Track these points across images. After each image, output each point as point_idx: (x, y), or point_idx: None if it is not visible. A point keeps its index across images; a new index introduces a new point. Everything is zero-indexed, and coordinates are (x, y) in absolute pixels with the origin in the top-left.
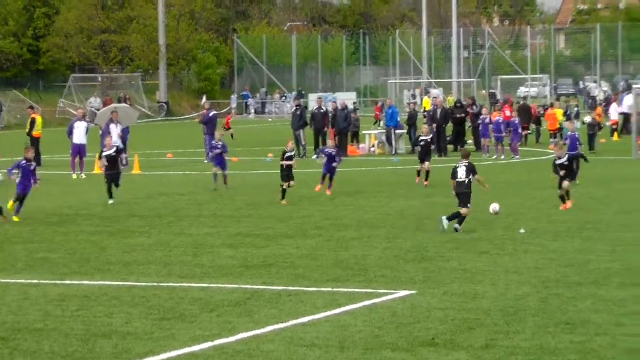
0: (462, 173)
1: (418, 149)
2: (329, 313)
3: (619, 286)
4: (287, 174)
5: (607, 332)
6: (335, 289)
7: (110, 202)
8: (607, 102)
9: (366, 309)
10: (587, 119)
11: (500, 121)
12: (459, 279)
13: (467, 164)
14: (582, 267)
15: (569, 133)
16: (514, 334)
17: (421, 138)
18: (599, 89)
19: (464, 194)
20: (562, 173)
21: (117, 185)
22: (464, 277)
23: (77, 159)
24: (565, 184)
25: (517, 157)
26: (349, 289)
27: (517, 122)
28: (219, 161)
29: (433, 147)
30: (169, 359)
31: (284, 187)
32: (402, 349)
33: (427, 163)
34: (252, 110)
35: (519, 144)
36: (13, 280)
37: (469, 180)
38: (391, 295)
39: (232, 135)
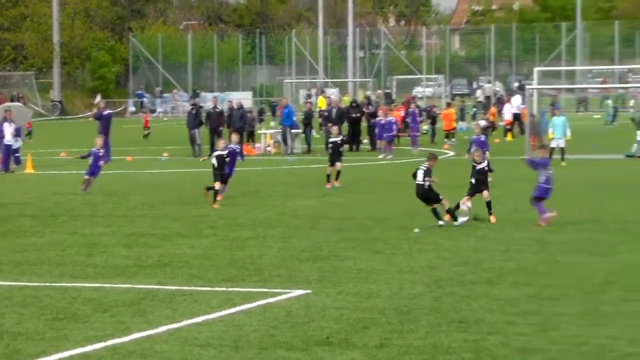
0: (420, 175)
1: (329, 151)
2: (223, 312)
3: (512, 285)
4: (219, 172)
5: (500, 330)
6: (230, 289)
7: None
8: (500, 102)
9: (261, 309)
10: (482, 122)
11: (393, 121)
12: (353, 278)
13: (425, 167)
14: (475, 266)
15: (474, 136)
16: (407, 333)
17: (331, 139)
18: (492, 89)
19: (427, 198)
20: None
21: None
22: (358, 277)
23: None
24: (485, 194)
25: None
26: (243, 289)
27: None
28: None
29: (343, 148)
30: (61, 359)
31: (216, 187)
32: (296, 348)
33: (338, 164)
34: (158, 109)
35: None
36: None
37: (429, 184)
38: (286, 294)
39: (146, 135)
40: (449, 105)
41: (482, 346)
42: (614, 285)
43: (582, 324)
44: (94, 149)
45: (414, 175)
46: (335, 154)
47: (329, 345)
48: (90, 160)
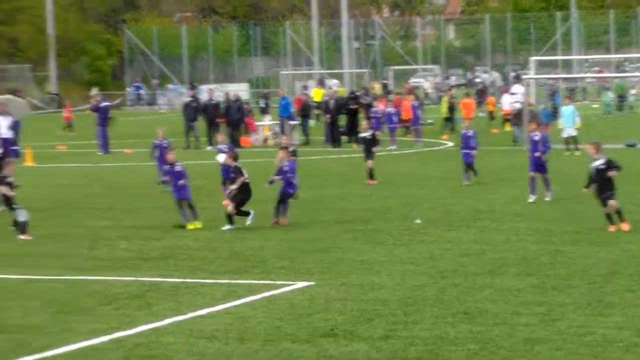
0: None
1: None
2: (228, 305)
3: (515, 276)
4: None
5: (505, 321)
6: (234, 281)
7: None
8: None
9: (265, 300)
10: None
11: (392, 112)
12: (356, 270)
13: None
14: (478, 257)
15: (463, 131)
16: (412, 324)
17: (360, 135)
18: (489, 78)
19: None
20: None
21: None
22: (361, 268)
23: None
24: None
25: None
26: (247, 281)
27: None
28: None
29: (375, 145)
30: (67, 352)
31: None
32: (302, 339)
33: (369, 161)
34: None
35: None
36: None
37: None
38: (289, 286)
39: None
40: (467, 94)
41: (487, 337)
42: (617, 275)
43: (587, 314)
44: (156, 141)
45: None
46: (366, 151)
47: (334, 337)
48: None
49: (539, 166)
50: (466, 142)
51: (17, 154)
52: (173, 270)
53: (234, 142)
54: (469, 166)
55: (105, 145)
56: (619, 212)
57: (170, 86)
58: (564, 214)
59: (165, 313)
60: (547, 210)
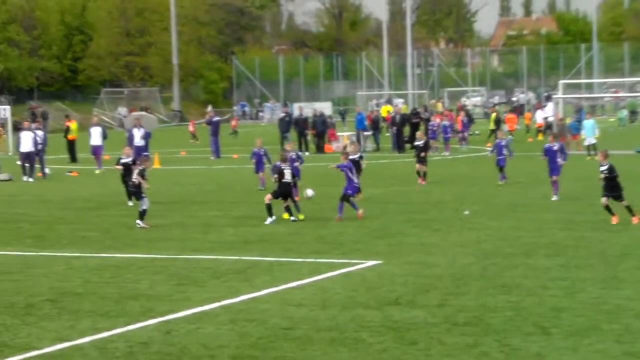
0: (288, 175)
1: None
2: (312, 279)
3: (545, 256)
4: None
5: (536, 293)
6: (318, 260)
7: (130, 203)
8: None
9: (342, 276)
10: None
11: (447, 125)
12: (416, 251)
13: (290, 168)
14: (514, 241)
15: (497, 140)
16: (461, 295)
17: (415, 143)
18: (525, 98)
19: (287, 193)
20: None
21: (137, 198)
22: (420, 250)
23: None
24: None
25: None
26: (328, 260)
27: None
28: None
29: (425, 151)
30: (185, 315)
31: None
32: (372, 307)
33: (419, 165)
34: (266, 116)
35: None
36: (59, 254)
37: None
38: (362, 264)
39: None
40: (512, 110)
41: (521, 306)
42: (629, 256)
43: (603, 288)
44: (255, 149)
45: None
46: (418, 156)
47: (398, 305)
48: (254, 159)
49: (554, 170)
50: (499, 150)
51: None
52: (269, 251)
53: (319, 149)
54: (501, 169)
55: (216, 151)
56: (629, 208)
57: (267, 104)
58: (584, 207)
59: (262, 285)
60: (571, 204)
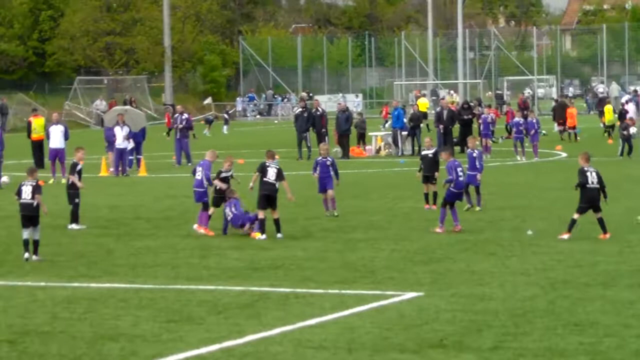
0: (272, 174)
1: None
2: (336, 315)
3: (627, 287)
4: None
5: (616, 333)
6: (343, 291)
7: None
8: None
9: (374, 311)
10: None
11: (520, 122)
12: (466, 281)
13: (277, 167)
14: (590, 268)
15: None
16: (522, 336)
17: (422, 152)
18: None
19: (271, 197)
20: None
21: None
22: (471, 279)
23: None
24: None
25: (536, 158)
26: (356, 291)
27: (534, 122)
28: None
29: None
30: None
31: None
32: (410, 350)
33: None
34: (280, 112)
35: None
36: (20, 283)
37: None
38: (399, 296)
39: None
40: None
41: (597, 349)
42: None
43: None
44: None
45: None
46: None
47: (442, 348)
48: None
49: None
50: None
51: (131, 164)
52: (283, 280)
53: (344, 152)
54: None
55: (179, 158)
56: None
57: (278, 97)
58: None
59: (274, 323)
60: None
